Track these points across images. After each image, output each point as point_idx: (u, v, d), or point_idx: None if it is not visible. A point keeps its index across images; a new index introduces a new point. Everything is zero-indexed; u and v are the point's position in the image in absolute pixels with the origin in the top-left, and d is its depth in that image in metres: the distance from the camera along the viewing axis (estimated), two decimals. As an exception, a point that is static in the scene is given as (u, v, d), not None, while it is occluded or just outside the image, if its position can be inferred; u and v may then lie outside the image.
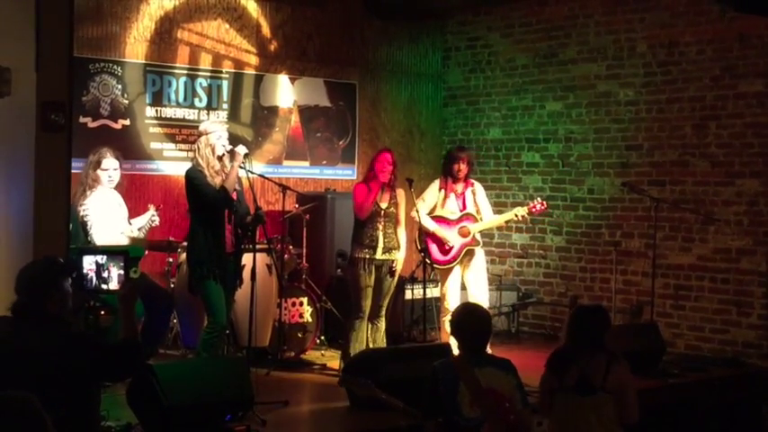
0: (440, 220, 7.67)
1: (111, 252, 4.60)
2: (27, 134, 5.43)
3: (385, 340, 7.37)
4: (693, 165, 8.55)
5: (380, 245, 7.12)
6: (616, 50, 9.08)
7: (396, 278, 7.31)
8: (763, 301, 8.11)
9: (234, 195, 6.44)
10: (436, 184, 7.79)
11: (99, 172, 6.82)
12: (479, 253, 7.74)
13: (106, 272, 4.47)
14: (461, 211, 7.69)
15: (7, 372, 3.97)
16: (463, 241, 7.62)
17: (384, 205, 7.16)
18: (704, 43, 8.48)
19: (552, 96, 9.60)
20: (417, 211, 7.44)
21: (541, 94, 9.69)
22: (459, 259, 7.64)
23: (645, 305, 8.46)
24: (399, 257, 7.25)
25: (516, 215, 7.75)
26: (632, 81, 8.98)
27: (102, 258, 4.48)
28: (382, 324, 7.29)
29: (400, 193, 7.31)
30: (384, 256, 7.14)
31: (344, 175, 9.76)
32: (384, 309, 7.30)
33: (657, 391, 7.02)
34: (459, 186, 7.72)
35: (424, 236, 7.63)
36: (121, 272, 4.44)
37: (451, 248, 7.60)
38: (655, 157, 8.81)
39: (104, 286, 4.48)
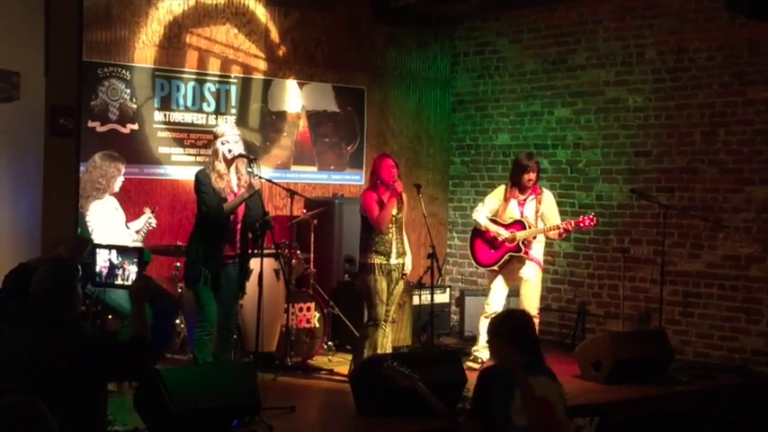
0: (493, 222, 7.86)
1: (125, 249, 4.63)
2: (36, 138, 5.44)
3: (392, 345, 7.36)
4: (702, 171, 8.52)
5: (394, 250, 7.14)
6: (625, 56, 9.05)
7: (403, 281, 7.32)
8: (772, 308, 8.09)
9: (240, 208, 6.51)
10: (501, 189, 7.92)
11: (120, 179, 6.89)
12: (530, 265, 7.76)
13: (120, 269, 4.48)
14: (521, 217, 7.79)
15: (18, 374, 3.97)
16: (507, 246, 7.73)
17: (395, 212, 7.18)
18: (714, 50, 8.45)
19: (561, 102, 9.58)
20: (476, 210, 7.87)
21: (550, 100, 9.67)
22: (500, 262, 7.77)
23: (653, 312, 8.43)
24: (408, 261, 7.29)
25: (559, 227, 7.69)
26: (641, 87, 8.95)
27: (116, 257, 4.50)
28: (389, 329, 7.27)
29: (404, 197, 7.32)
30: (397, 261, 7.18)
31: (352, 180, 9.75)
32: (392, 314, 7.29)
33: (665, 399, 7.01)
34: (524, 194, 7.80)
35: (474, 235, 7.90)
36: (137, 268, 4.45)
37: (502, 244, 7.72)
38: (664, 163, 8.78)
39: (119, 282, 4.50)
